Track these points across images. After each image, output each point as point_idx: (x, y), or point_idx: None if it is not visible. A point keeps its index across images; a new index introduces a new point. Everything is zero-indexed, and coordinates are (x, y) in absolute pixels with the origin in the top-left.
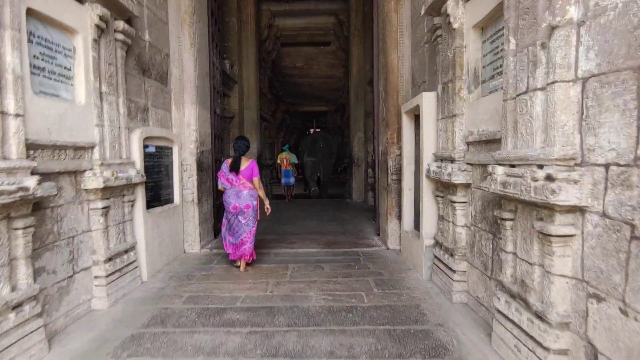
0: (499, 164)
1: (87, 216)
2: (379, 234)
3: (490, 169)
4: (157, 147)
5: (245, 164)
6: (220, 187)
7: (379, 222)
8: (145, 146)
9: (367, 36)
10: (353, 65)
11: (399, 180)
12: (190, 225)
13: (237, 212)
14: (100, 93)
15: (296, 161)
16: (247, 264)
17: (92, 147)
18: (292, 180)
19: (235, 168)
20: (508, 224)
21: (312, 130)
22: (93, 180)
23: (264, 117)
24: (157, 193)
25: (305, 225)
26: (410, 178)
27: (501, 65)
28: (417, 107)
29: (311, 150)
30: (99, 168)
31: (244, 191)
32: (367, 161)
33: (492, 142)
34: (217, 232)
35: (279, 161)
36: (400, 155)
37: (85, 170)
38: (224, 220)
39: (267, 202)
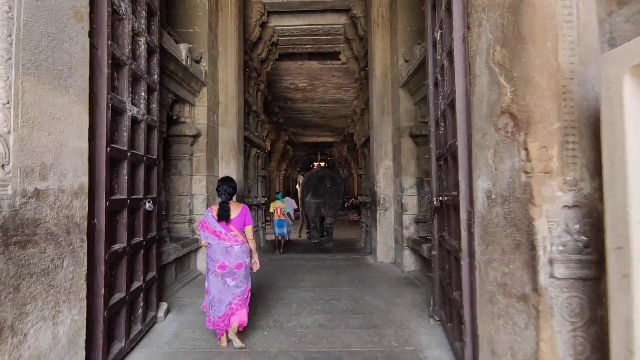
0: None
1: None
2: None
3: None
4: None
5: (236, 210)
6: (202, 242)
7: None
8: None
9: (403, 15)
10: (375, 66)
11: (588, 282)
12: None
13: (224, 272)
14: None
15: (291, 211)
16: (240, 332)
17: None
18: (285, 230)
19: (224, 216)
20: None
21: (316, 164)
22: None
23: (252, 141)
24: None
25: (301, 327)
26: None
27: None
28: None
29: (316, 190)
30: None
31: (235, 246)
32: (400, 202)
33: None
34: None
35: (271, 210)
36: (588, 206)
37: None
38: (206, 283)
39: (255, 256)
